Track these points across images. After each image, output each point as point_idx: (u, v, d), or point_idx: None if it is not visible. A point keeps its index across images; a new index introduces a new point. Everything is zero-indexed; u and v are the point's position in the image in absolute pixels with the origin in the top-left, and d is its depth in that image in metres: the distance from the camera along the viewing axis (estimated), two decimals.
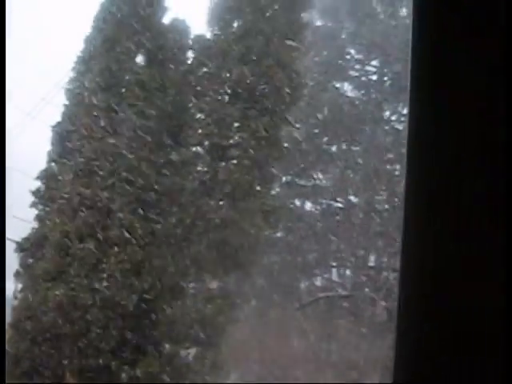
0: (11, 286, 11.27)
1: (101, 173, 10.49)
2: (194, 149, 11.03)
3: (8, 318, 10.84)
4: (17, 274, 11.33)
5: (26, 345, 10.37)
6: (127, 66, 11.21)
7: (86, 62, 11.45)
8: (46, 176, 11.48)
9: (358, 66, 12.76)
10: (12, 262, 11.15)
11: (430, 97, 1.19)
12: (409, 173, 1.18)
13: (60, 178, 11.14)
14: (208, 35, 11.37)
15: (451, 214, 1.13)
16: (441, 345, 1.09)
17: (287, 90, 10.96)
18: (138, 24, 11.30)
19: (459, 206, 1.12)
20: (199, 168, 10.89)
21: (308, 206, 12.43)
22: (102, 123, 10.73)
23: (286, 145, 11.12)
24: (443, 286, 1.11)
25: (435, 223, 1.13)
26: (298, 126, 11.63)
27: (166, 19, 11.62)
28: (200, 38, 11.38)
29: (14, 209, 12.22)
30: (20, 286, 11.37)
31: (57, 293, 10.30)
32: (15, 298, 11.17)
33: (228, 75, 11.00)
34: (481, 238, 1.11)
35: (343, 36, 12.88)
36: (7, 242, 11.03)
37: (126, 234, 10.36)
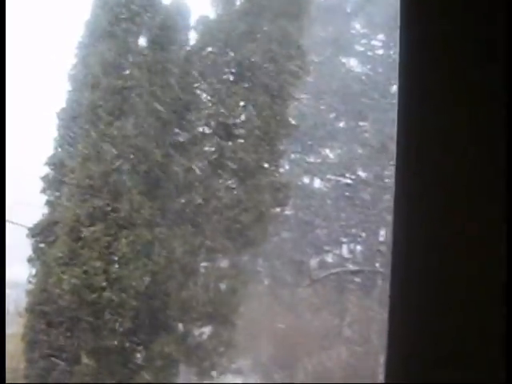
0: (26, 270, 11.41)
1: (108, 156, 10.52)
2: (200, 129, 11.03)
3: (22, 303, 10.99)
4: (30, 259, 11.44)
5: (42, 328, 10.49)
6: (130, 47, 11.15)
7: (87, 47, 11.42)
8: (54, 162, 11.53)
9: (363, 41, 12.66)
10: (24, 247, 11.29)
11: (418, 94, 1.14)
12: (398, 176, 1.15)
13: (67, 163, 11.18)
14: (211, 15, 11.32)
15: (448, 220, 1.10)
16: (434, 345, 1.08)
17: (293, 67, 10.91)
18: (138, 6, 11.22)
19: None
20: (206, 148, 10.89)
21: (317, 182, 12.42)
22: (107, 107, 10.73)
23: (293, 122, 11.09)
24: (435, 284, 1.09)
25: (424, 220, 1.11)
26: (304, 102, 11.61)
27: (167, 0, 11.56)
28: (203, 19, 11.32)
29: (26, 195, 12.33)
30: (34, 270, 11.48)
31: (71, 276, 10.38)
32: (29, 282, 11.29)
33: (232, 54, 10.96)
34: (479, 238, 1.09)
35: (348, 10, 12.78)
36: (19, 228, 11.17)
37: (136, 216, 10.41)
